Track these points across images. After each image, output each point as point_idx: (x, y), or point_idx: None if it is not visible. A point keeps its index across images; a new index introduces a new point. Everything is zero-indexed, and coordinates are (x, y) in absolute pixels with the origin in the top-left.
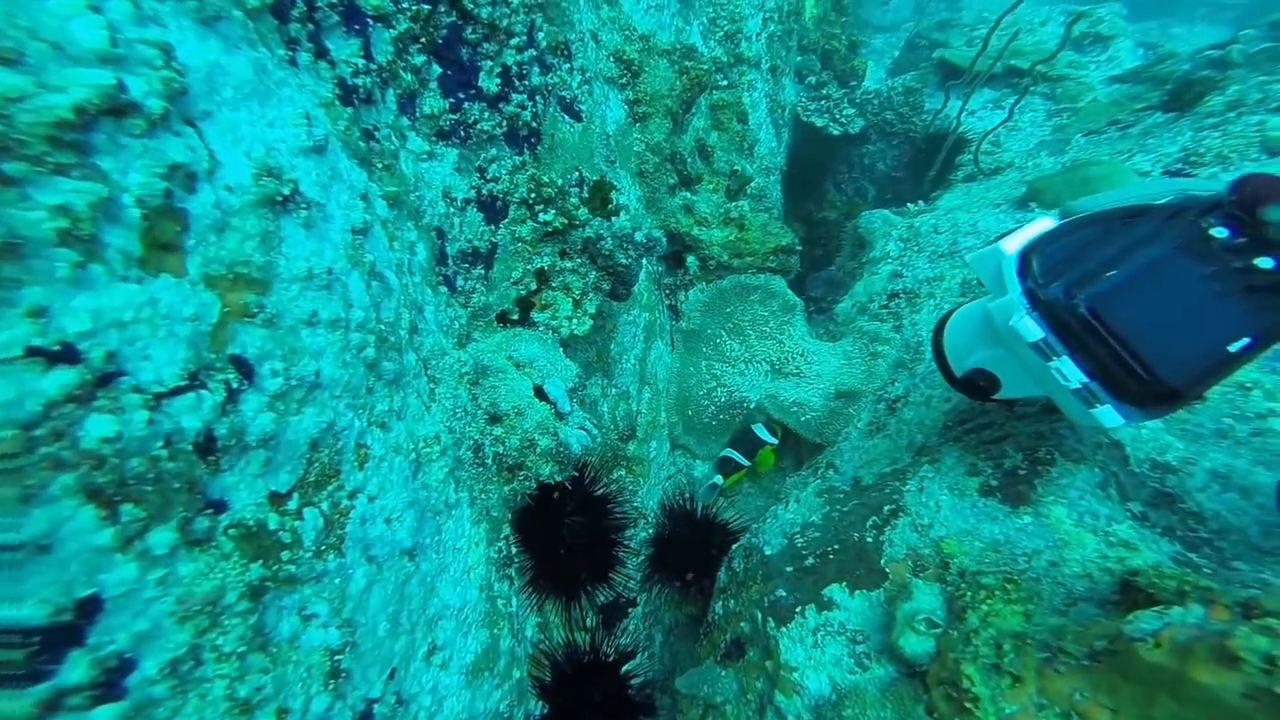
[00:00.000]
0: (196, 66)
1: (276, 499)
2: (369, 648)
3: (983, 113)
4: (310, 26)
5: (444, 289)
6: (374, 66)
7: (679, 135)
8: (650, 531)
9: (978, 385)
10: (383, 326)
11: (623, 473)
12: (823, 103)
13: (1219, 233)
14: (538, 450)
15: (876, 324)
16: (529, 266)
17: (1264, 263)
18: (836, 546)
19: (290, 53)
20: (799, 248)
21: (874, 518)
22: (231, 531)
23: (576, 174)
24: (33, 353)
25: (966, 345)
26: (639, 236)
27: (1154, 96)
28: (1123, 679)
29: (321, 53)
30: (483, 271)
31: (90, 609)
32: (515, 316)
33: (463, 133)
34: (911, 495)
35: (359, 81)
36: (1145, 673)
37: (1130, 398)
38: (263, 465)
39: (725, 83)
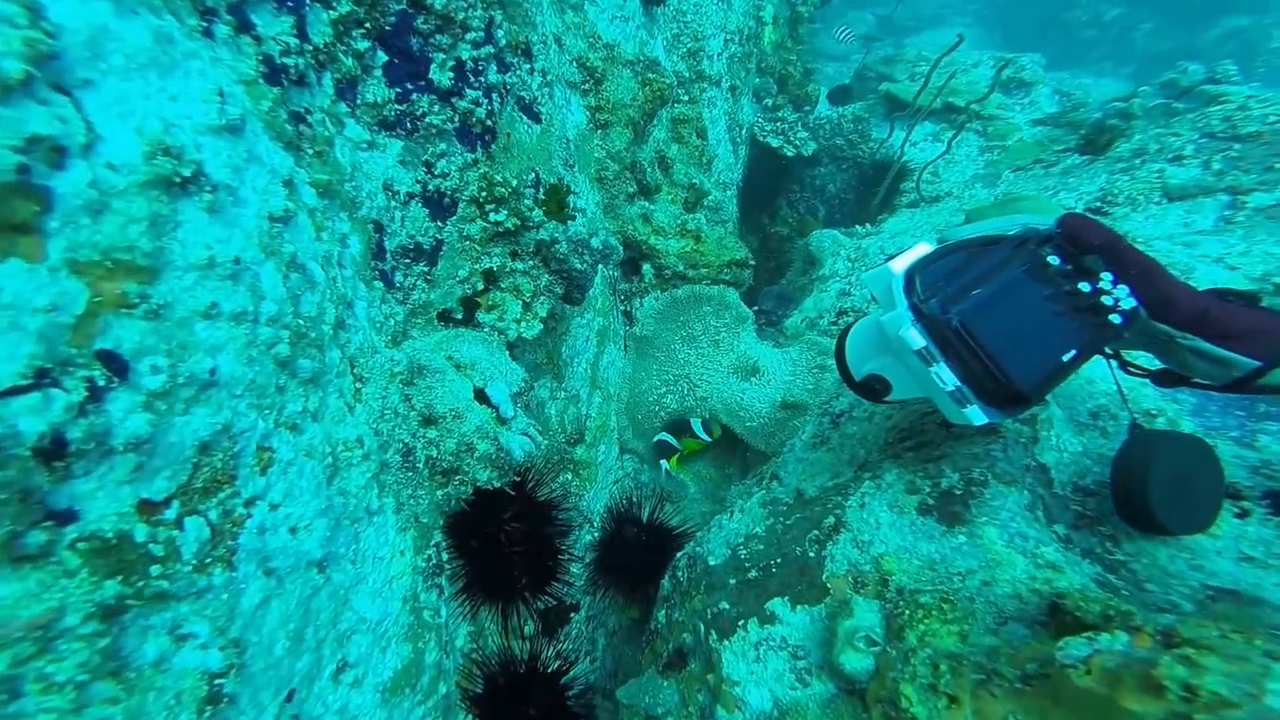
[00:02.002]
0: (76, 29)
1: (148, 507)
2: (261, 668)
3: (923, 144)
4: None
5: (379, 284)
6: (309, 48)
7: (640, 145)
8: (596, 535)
9: (873, 388)
10: (301, 321)
11: (569, 476)
12: (778, 124)
13: (1053, 260)
14: (476, 454)
15: (826, 339)
16: (477, 266)
17: (1084, 286)
18: (779, 560)
19: (205, 23)
20: (752, 262)
21: (816, 531)
22: (81, 545)
23: (533, 175)
24: None
25: (864, 354)
26: (595, 243)
27: (1071, 140)
28: (1053, 703)
29: (245, 26)
30: (425, 268)
31: None
32: (459, 316)
33: (409, 124)
34: (853, 511)
35: (289, 61)
36: (1076, 698)
37: (990, 399)
38: (132, 470)
39: (686, 98)
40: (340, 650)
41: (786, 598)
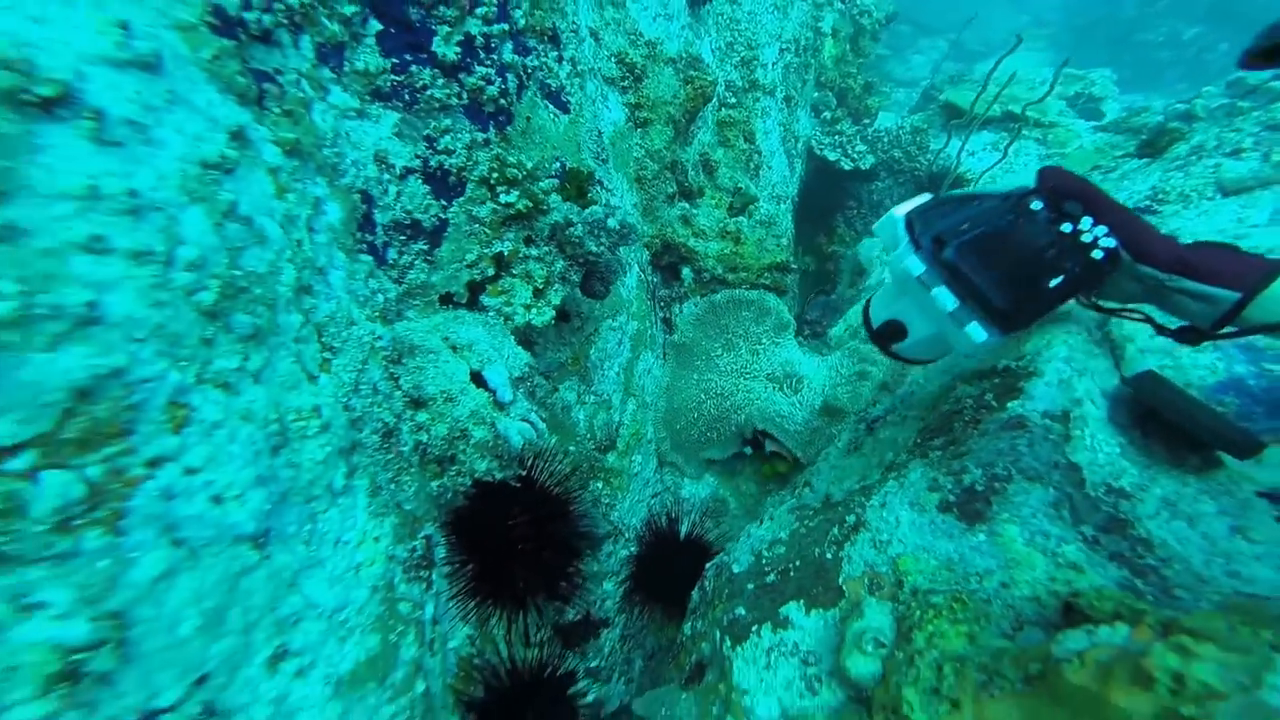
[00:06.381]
0: None
1: None
2: (157, 647)
3: (981, 154)
4: None
5: (367, 258)
6: (280, 6)
7: (682, 145)
8: (632, 549)
9: (891, 331)
10: (239, 274)
11: (600, 485)
12: (836, 137)
13: (1036, 206)
14: (471, 441)
15: (867, 347)
16: (486, 250)
17: (1065, 228)
18: (798, 563)
19: None
20: (794, 266)
21: (836, 531)
22: None
23: (558, 165)
24: None
25: (882, 306)
26: (611, 223)
27: (1130, 145)
28: (1051, 703)
29: None
30: (426, 248)
31: None
32: (463, 300)
33: (407, 96)
34: (873, 510)
35: (250, 16)
36: (1070, 695)
37: (986, 318)
38: None
39: (735, 102)
40: (280, 636)
41: (802, 601)
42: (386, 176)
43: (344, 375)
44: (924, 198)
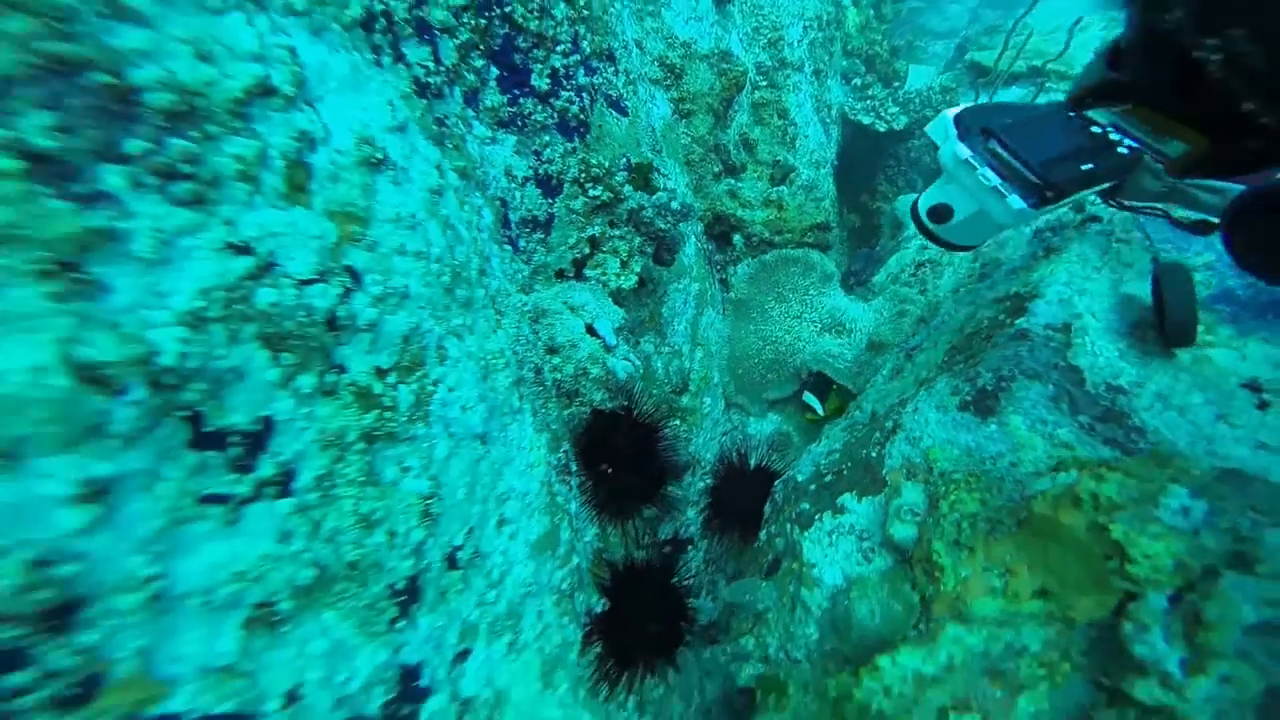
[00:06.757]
0: (311, 64)
1: (380, 372)
2: (451, 505)
3: None
4: (390, 36)
5: (508, 248)
6: (442, 68)
7: (722, 129)
8: (708, 481)
9: (939, 213)
10: (455, 263)
11: (678, 422)
12: (868, 102)
13: (1070, 114)
14: (590, 378)
15: (906, 289)
16: (582, 234)
17: (1095, 130)
18: (850, 464)
19: (376, 56)
20: (834, 226)
21: (878, 435)
22: (350, 387)
23: (625, 159)
24: (228, 245)
25: (930, 198)
26: (675, 204)
27: None
28: (1033, 536)
29: (399, 57)
30: (542, 236)
31: (269, 425)
32: (571, 274)
33: (520, 122)
34: (908, 415)
35: (430, 80)
36: (1038, 524)
37: (1025, 191)
38: (369, 344)
39: (766, 84)
40: (499, 508)
41: (855, 492)
42: (513, 185)
43: (509, 330)
44: (970, 104)
